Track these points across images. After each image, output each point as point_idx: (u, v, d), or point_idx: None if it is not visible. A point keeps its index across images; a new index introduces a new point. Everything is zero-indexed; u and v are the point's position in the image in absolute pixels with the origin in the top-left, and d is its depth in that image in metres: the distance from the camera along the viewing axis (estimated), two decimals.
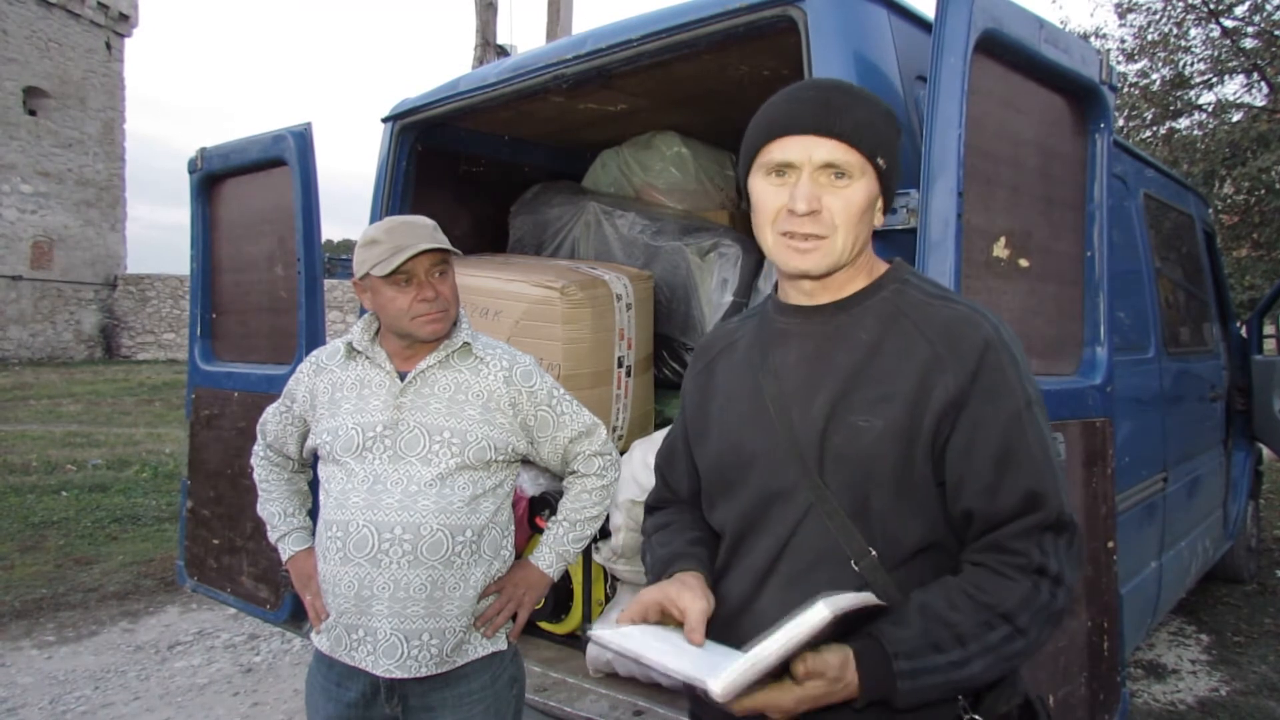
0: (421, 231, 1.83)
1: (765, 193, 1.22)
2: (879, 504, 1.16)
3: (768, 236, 1.23)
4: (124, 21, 24.92)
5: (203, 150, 3.42)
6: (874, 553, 1.16)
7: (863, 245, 1.23)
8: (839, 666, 1.06)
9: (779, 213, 1.20)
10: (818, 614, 0.99)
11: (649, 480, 2.69)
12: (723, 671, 1.00)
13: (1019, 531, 1.11)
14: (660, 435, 2.94)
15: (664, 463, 1.50)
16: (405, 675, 1.78)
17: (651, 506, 1.53)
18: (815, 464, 1.19)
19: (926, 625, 1.09)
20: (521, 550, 2.73)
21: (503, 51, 11.28)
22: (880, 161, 1.19)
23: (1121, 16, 12.36)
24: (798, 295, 1.29)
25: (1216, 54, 11.90)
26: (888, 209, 1.27)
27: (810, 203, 1.17)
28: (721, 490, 1.32)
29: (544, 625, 3.09)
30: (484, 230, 4.01)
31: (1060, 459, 2.04)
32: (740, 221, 3.53)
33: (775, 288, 1.36)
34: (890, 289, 1.26)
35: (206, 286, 3.50)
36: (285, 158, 3.00)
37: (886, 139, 1.21)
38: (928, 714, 1.15)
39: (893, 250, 1.94)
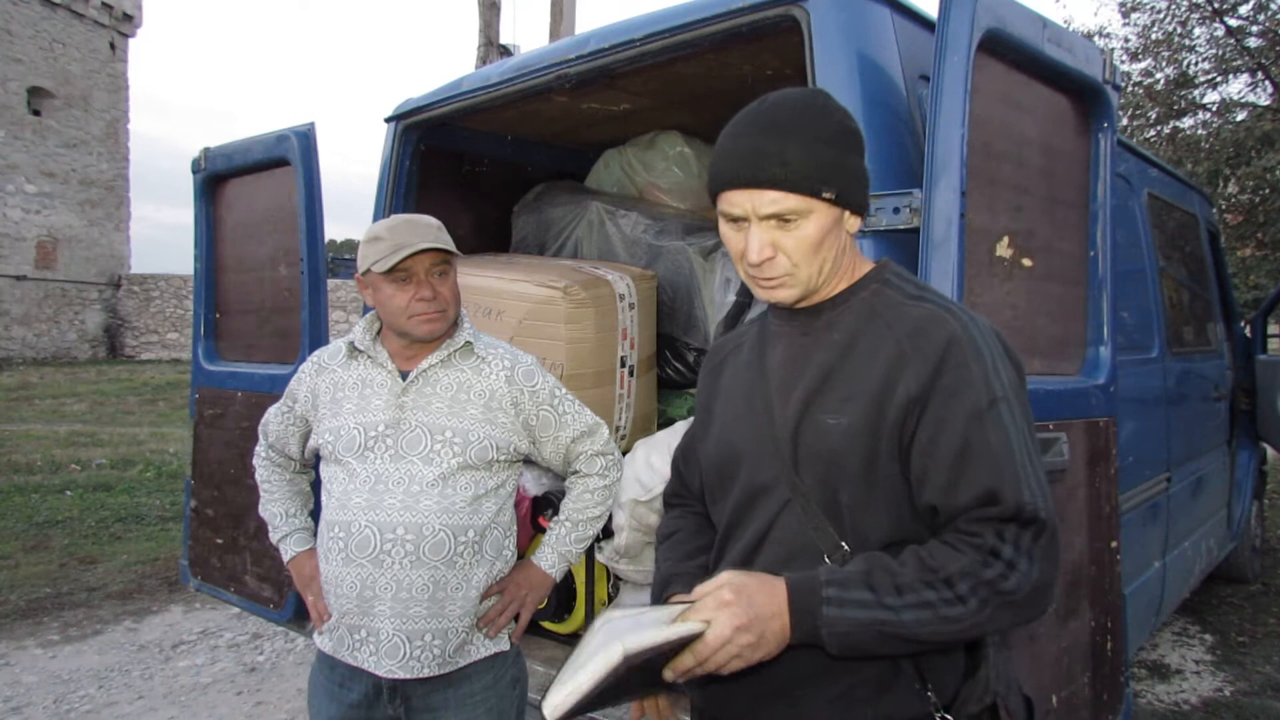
0: (424, 230, 1.83)
1: (728, 237, 1.27)
2: (848, 499, 1.20)
3: (740, 272, 1.29)
4: (128, 22, 24.95)
5: (206, 150, 3.42)
6: (846, 547, 1.19)
7: (834, 262, 1.26)
8: (748, 591, 1.10)
9: (742, 256, 1.25)
10: (613, 653, 1.02)
11: (651, 480, 2.71)
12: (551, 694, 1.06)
13: (977, 518, 1.14)
14: (662, 435, 2.94)
15: (680, 457, 1.55)
16: (408, 676, 1.78)
17: (667, 501, 1.58)
18: (791, 460, 1.23)
19: (867, 568, 1.13)
20: (524, 551, 2.73)
21: (506, 51, 11.30)
22: (827, 194, 1.19)
23: (1125, 15, 12.35)
24: None
25: (1221, 53, 11.87)
26: (864, 214, 1.28)
27: (762, 253, 1.21)
28: (719, 485, 1.37)
29: (547, 625, 3.08)
30: (487, 230, 4.01)
31: (1063, 457, 2.05)
32: None
33: None
34: (870, 289, 1.28)
35: (210, 286, 3.50)
36: (289, 158, 3.00)
37: (833, 165, 1.20)
38: (896, 703, 1.18)
39: (895, 250, 1.94)
